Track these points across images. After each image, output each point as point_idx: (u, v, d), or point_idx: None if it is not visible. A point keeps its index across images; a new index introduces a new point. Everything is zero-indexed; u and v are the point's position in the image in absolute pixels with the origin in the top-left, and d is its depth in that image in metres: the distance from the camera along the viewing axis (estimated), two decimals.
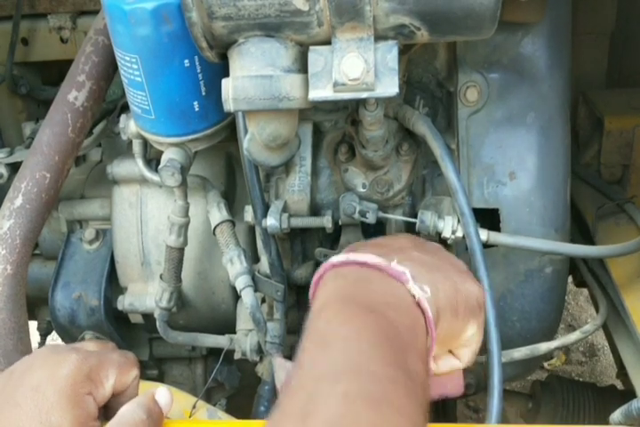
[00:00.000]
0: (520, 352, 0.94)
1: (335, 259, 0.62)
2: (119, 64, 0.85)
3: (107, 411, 0.70)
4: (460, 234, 0.88)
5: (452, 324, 0.63)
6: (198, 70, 0.83)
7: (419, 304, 0.59)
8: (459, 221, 0.88)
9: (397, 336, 0.54)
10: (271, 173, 0.96)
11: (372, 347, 0.52)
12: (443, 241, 0.90)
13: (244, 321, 1.05)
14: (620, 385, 1.33)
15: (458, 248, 0.95)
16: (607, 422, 0.78)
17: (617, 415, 0.76)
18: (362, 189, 0.94)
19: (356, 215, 0.91)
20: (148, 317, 1.08)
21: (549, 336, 1.03)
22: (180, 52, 0.81)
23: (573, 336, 0.98)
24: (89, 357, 0.69)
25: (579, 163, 1.32)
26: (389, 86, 0.68)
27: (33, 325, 1.11)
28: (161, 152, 0.93)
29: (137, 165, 0.98)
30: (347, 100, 0.70)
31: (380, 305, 0.56)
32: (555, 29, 0.91)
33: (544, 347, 0.95)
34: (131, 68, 0.83)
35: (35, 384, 0.64)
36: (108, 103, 1.12)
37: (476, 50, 0.90)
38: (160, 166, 0.91)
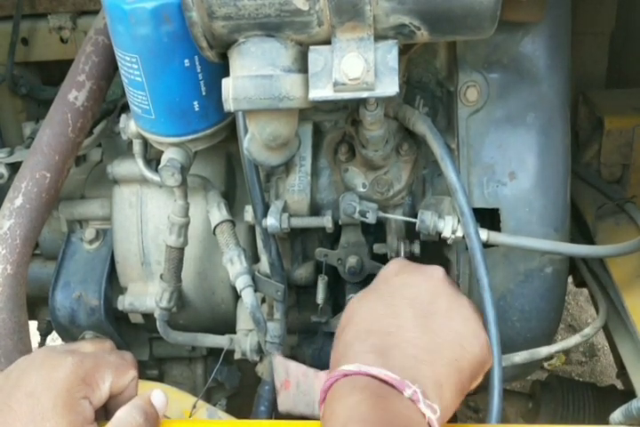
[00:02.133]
0: (520, 356, 0.94)
1: (347, 368, 0.61)
2: (119, 64, 0.85)
3: (105, 412, 0.70)
4: (460, 234, 0.88)
5: (458, 400, 0.64)
6: (198, 70, 0.83)
7: (429, 423, 0.59)
8: (459, 220, 0.88)
9: None
10: (271, 173, 0.96)
11: None
12: (442, 241, 0.90)
13: (244, 321, 1.05)
14: (620, 385, 1.33)
15: (458, 248, 0.95)
16: (607, 422, 0.77)
17: (617, 415, 0.76)
18: (362, 189, 0.94)
19: (356, 215, 0.91)
20: (149, 317, 1.07)
21: (549, 336, 1.03)
22: (180, 52, 0.81)
23: (573, 340, 0.98)
24: (85, 360, 0.68)
25: (579, 162, 1.32)
26: (389, 86, 0.68)
27: (33, 324, 1.11)
28: (161, 152, 0.93)
29: (137, 165, 0.98)
30: (347, 99, 0.70)
31: None
32: (555, 29, 0.91)
33: (544, 351, 0.95)
34: (131, 68, 0.83)
35: (30, 389, 0.64)
36: (109, 103, 1.12)
37: (477, 49, 0.90)
38: (160, 166, 0.91)
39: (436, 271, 0.75)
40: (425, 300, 0.69)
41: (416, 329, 0.65)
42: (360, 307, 0.71)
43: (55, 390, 0.64)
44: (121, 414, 0.66)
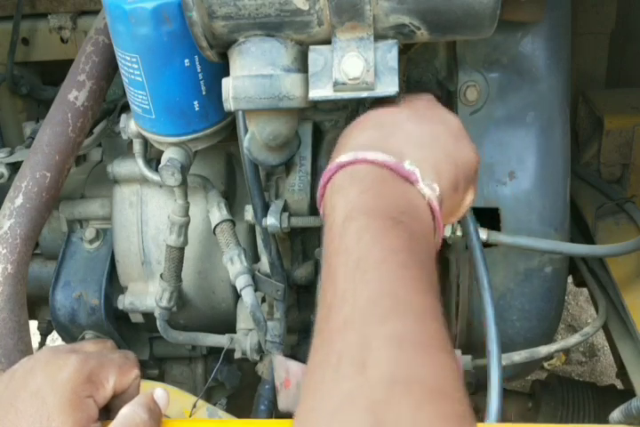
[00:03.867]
0: (520, 356, 0.94)
1: (343, 158, 0.58)
2: (119, 64, 0.85)
3: (108, 411, 0.70)
4: (459, 233, 0.88)
5: (453, 201, 0.62)
6: (198, 70, 0.84)
7: (429, 204, 0.58)
8: (459, 220, 0.88)
9: (421, 250, 0.53)
10: (271, 173, 0.97)
11: (408, 272, 0.50)
12: (442, 240, 0.90)
13: (244, 320, 1.05)
14: (620, 385, 1.33)
15: (458, 247, 0.95)
16: (607, 422, 0.78)
17: (617, 414, 0.76)
18: None
19: None
20: (149, 316, 1.08)
21: (549, 336, 1.03)
22: (180, 52, 0.82)
23: (573, 339, 0.98)
24: (89, 359, 0.68)
25: (579, 162, 1.32)
26: (389, 86, 0.68)
27: (33, 324, 1.11)
28: (161, 152, 0.93)
29: (137, 165, 0.98)
30: (347, 99, 0.70)
31: (402, 215, 0.54)
32: (554, 29, 0.91)
33: (544, 350, 0.95)
34: (131, 68, 0.83)
35: (35, 389, 0.64)
36: (109, 103, 1.12)
37: (476, 49, 0.90)
38: (160, 166, 0.91)
39: (426, 94, 0.73)
40: (420, 107, 0.68)
41: (411, 123, 0.64)
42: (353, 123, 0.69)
43: (60, 389, 0.64)
44: (125, 412, 0.66)
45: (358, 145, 0.61)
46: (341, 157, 0.59)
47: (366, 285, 0.49)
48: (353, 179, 0.57)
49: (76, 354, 0.69)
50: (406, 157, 0.58)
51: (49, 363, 0.67)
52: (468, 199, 0.66)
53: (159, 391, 0.71)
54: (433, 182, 0.58)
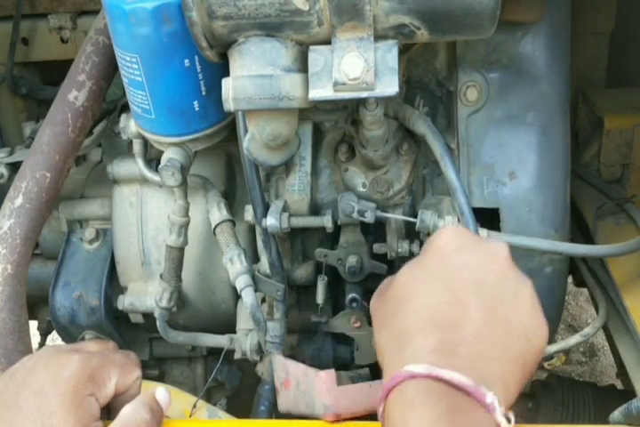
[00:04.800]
0: None
1: (414, 369, 0.55)
2: (119, 64, 0.85)
3: (109, 411, 0.70)
4: None
5: (515, 395, 0.60)
6: (198, 70, 0.84)
7: None
8: (459, 220, 0.88)
9: None
10: (271, 173, 0.97)
11: None
12: None
13: (244, 321, 1.05)
14: (620, 385, 1.33)
15: None
16: (607, 422, 0.77)
17: (617, 415, 0.76)
18: (362, 189, 0.94)
19: (355, 215, 0.91)
20: (149, 316, 1.08)
21: (549, 336, 1.03)
22: (180, 52, 0.82)
23: (573, 340, 0.98)
24: (91, 358, 0.69)
25: (578, 162, 1.32)
26: (389, 86, 0.68)
27: (33, 324, 1.11)
28: (161, 152, 0.93)
29: (137, 165, 0.98)
30: (347, 99, 0.70)
31: None
32: (554, 29, 0.91)
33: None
34: (131, 68, 0.83)
35: (37, 387, 0.64)
36: (109, 103, 1.12)
37: (476, 49, 0.90)
38: (160, 166, 0.91)
39: (501, 250, 0.66)
40: (491, 285, 0.62)
41: (483, 321, 0.59)
42: (415, 286, 0.63)
43: (62, 387, 0.64)
44: (127, 411, 0.66)
45: (428, 350, 0.57)
46: (411, 366, 0.55)
47: None
48: (428, 397, 0.54)
49: (78, 353, 0.69)
50: (477, 373, 0.55)
51: (51, 361, 0.67)
52: (529, 378, 0.63)
53: (161, 391, 0.71)
54: (508, 412, 0.56)
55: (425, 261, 0.66)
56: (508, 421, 0.56)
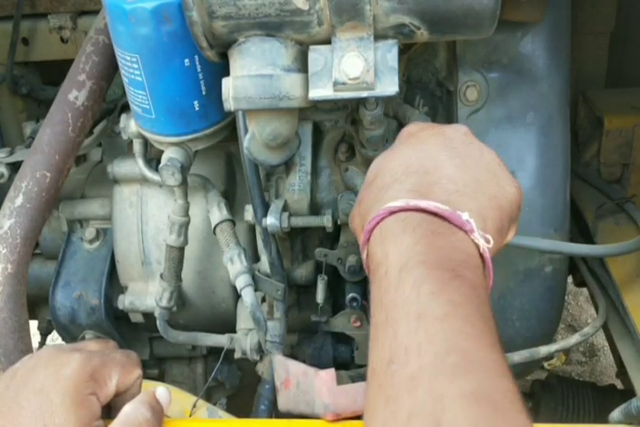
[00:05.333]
0: (520, 355, 0.94)
1: (393, 204, 0.57)
2: (120, 63, 0.85)
3: (109, 410, 0.70)
4: None
5: (498, 245, 0.62)
6: (198, 70, 0.84)
7: (482, 254, 0.57)
8: None
9: (481, 303, 0.52)
10: (271, 173, 0.97)
11: (472, 326, 0.49)
12: None
13: (244, 320, 1.05)
14: (620, 385, 1.33)
15: None
16: (607, 422, 0.78)
17: (616, 414, 0.76)
18: None
19: None
20: (149, 316, 1.08)
21: (549, 335, 1.03)
22: (180, 52, 0.82)
23: (573, 339, 0.98)
24: (92, 357, 0.69)
25: (578, 162, 1.32)
26: (389, 85, 0.68)
27: (33, 324, 1.11)
28: (161, 152, 0.93)
29: (137, 165, 0.98)
30: (347, 99, 0.70)
31: (460, 267, 0.53)
32: (554, 29, 0.91)
33: (544, 350, 0.95)
34: (131, 68, 0.83)
35: (38, 387, 0.64)
36: (109, 103, 1.12)
37: (476, 49, 0.90)
38: (160, 166, 0.91)
39: (461, 126, 0.70)
40: (457, 144, 0.66)
41: (454, 168, 0.62)
42: (389, 158, 0.66)
43: (64, 386, 0.64)
44: (128, 410, 0.66)
45: (405, 191, 0.59)
46: (390, 203, 0.58)
47: (431, 340, 0.47)
48: (406, 226, 0.56)
49: (79, 352, 0.69)
50: (453, 206, 0.57)
51: (52, 361, 0.68)
52: (510, 236, 0.65)
53: (161, 390, 0.72)
54: (486, 233, 0.57)
55: (394, 145, 0.69)
56: (487, 241, 0.57)
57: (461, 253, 0.55)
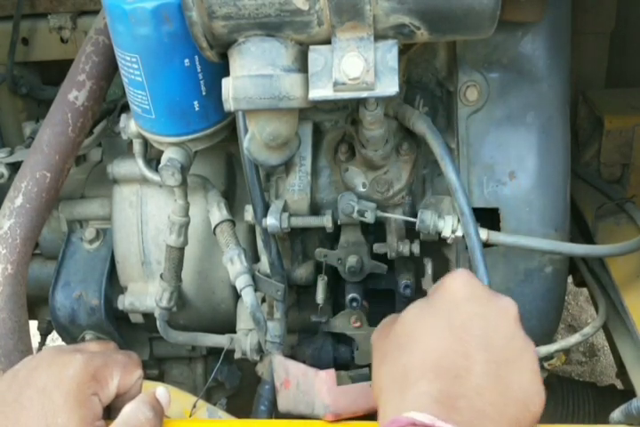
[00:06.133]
0: None
1: (418, 417, 0.55)
2: (119, 64, 0.85)
3: (110, 411, 0.70)
4: (459, 233, 0.88)
5: None
6: (198, 70, 0.84)
7: None
8: (459, 220, 0.88)
9: None
10: (271, 173, 0.97)
11: None
12: (442, 240, 0.90)
13: (244, 321, 1.05)
14: (620, 385, 1.33)
15: (458, 248, 0.95)
16: (607, 422, 0.77)
17: (617, 414, 0.76)
18: (362, 189, 0.94)
19: (355, 215, 0.91)
20: (149, 316, 1.08)
21: (549, 336, 1.03)
22: (180, 52, 0.82)
23: (573, 339, 0.98)
24: (94, 357, 0.69)
25: (578, 162, 1.32)
26: (389, 86, 0.68)
27: (33, 324, 1.11)
28: (161, 152, 0.93)
29: (137, 165, 0.98)
30: (347, 99, 0.70)
31: None
32: (554, 29, 0.91)
33: (544, 350, 0.95)
34: (131, 68, 0.83)
35: (41, 386, 0.65)
36: (109, 103, 1.12)
37: (476, 49, 0.90)
38: (160, 166, 0.91)
39: (512, 307, 0.66)
40: (499, 342, 0.62)
41: (486, 377, 0.60)
42: (422, 327, 0.64)
43: (66, 386, 0.64)
44: (129, 409, 0.67)
45: (430, 397, 0.58)
46: (414, 413, 0.56)
47: None
48: None
49: (80, 353, 0.69)
50: None
51: (54, 361, 0.68)
52: None
53: (161, 390, 0.72)
54: None
55: (433, 304, 0.66)
56: None
57: None
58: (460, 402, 0.58)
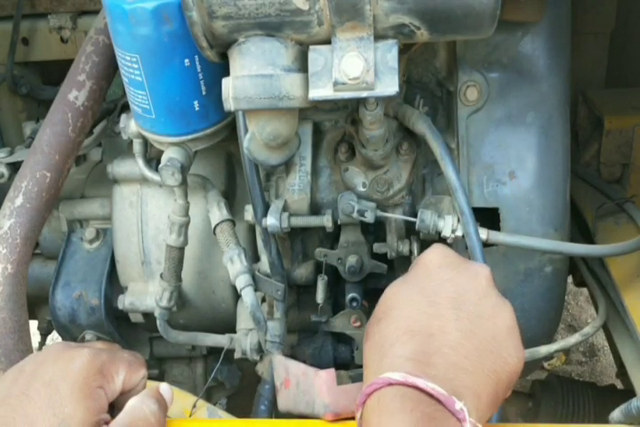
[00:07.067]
0: None
1: (392, 376, 0.58)
2: (119, 63, 0.85)
3: (114, 410, 0.71)
4: (459, 233, 0.88)
5: (491, 412, 0.62)
6: (198, 70, 0.84)
7: None
8: (458, 220, 0.88)
9: None
10: (271, 173, 0.97)
11: None
12: (442, 240, 0.90)
13: (244, 320, 1.05)
14: (620, 385, 1.33)
15: (458, 247, 0.95)
16: (607, 422, 0.78)
17: (616, 414, 0.76)
18: (362, 189, 0.94)
19: (355, 214, 0.91)
20: (149, 316, 1.08)
21: (549, 335, 1.03)
22: (180, 52, 0.82)
23: (573, 339, 0.98)
24: (100, 353, 0.70)
25: (578, 162, 1.32)
26: (389, 85, 0.68)
27: (33, 324, 1.11)
28: (161, 152, 0.93)
29: (137, 165, 0.98)
30: (347, 99, 0.70)
31: None
32: (554, 29, 0.91)
33: (544, 350, 0.95)
34: (131, 68, 0.83)
35: (48, 379, 0.65)
36: (109, 103, 1.12)
37: (476, 49, 0.90)
38: (160, 166, 0.91)
39: (483, 270, 0.68)
40: (470, 301, 0.65)
41: (459, 333, 0.62)
42: (399, 299, 0.66)
43: (73, 378, 0.65)
44: (134, 403, 0.67)
45: (405, 358, 0.60)
46: (389, 374, 0.58)
47: None
48: (404, 404, 0.57)
49: (87, 348, 0.70)
50: (451, 383, 0.58)
51: (61, 355, 0.68)
52: (506, 396, 0.65)
53: (164, 386, 0.73)
54: (478, 410, 0.58)
55: (410, 277, 0.69)
56: None
57: None
58: (435, 358, 0.60)
